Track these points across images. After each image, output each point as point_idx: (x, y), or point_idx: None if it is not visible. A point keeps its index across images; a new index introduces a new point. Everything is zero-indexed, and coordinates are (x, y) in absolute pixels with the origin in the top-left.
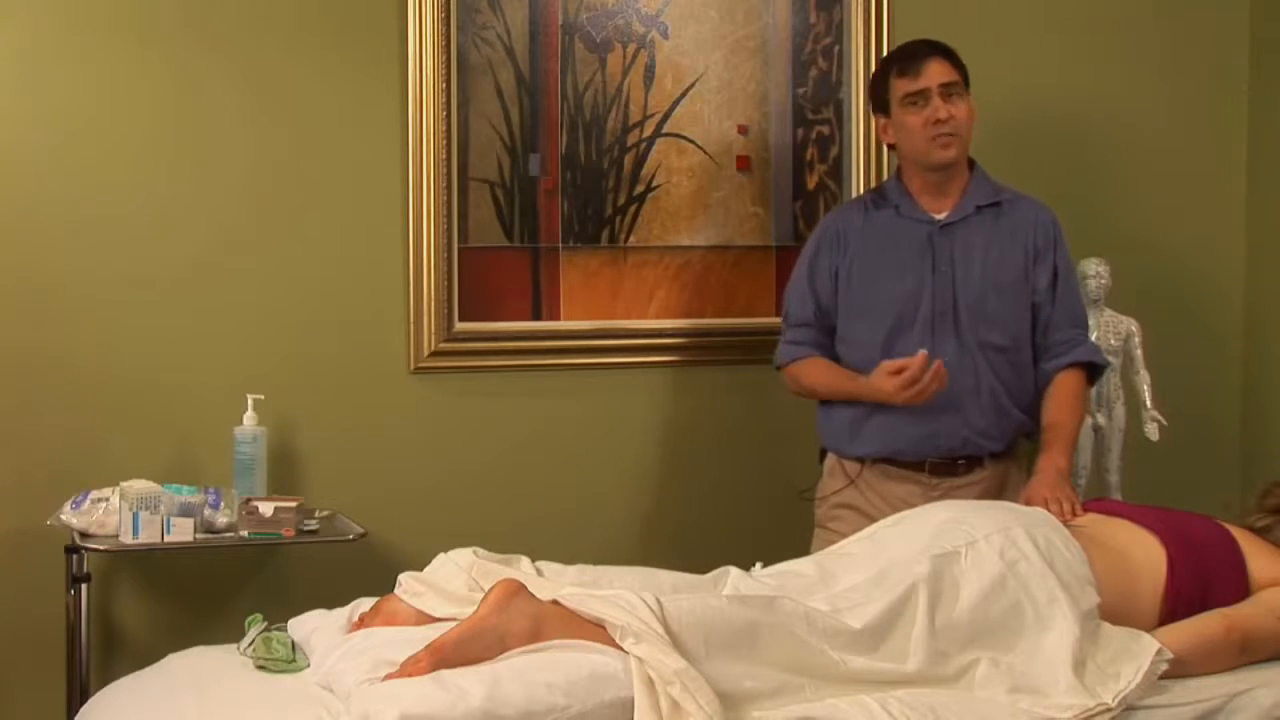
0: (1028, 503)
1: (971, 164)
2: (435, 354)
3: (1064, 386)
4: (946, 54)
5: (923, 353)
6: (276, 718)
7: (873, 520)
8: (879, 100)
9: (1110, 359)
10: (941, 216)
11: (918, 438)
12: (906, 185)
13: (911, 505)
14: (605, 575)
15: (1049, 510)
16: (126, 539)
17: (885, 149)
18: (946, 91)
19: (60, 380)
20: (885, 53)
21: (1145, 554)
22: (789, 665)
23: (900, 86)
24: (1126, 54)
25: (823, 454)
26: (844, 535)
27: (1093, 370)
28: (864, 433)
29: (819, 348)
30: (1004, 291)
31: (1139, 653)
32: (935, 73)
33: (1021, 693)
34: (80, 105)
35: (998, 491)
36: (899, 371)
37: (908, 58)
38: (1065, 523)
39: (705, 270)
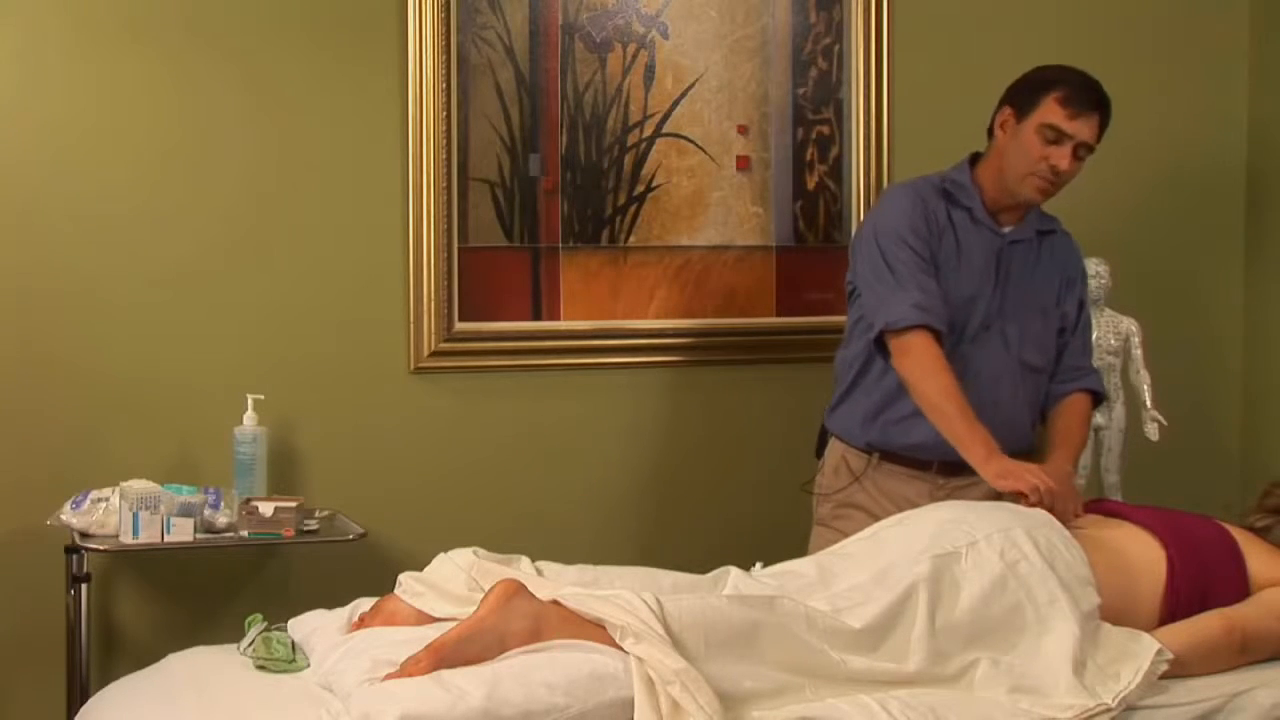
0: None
1: None
2: (435, 354)
3: (1076, 406)
4: (1107, 111)
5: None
6: (276, 718)
7: (878, 520)
8: (1021, 98)
9: (1110, 359)
10: (1007, 232)
11: (937, 435)
12: (981, 186)
13: (917, 505)
14: (605, 575)
15: (1055, 504)
16: (126, 539)
17: (886, 149)
18: (1080, 151)
19: (60, 380)
20: (885, 53)
21: (1145, 555)
22: (789, 665)
23: (1051, 111)
24: (1126, 53)
25: (820, 448)
26: (849, 535)
27: (1096, 399)
28: (880, 423)
29: (937, 315)
30: (1045, 314)
31: (1139, 653)
32: (1088, 129)
33: (1021, 693)
34: (81, 106)
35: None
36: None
37: (1080, 94)
38: (1067, 523)
39: (705, 270)
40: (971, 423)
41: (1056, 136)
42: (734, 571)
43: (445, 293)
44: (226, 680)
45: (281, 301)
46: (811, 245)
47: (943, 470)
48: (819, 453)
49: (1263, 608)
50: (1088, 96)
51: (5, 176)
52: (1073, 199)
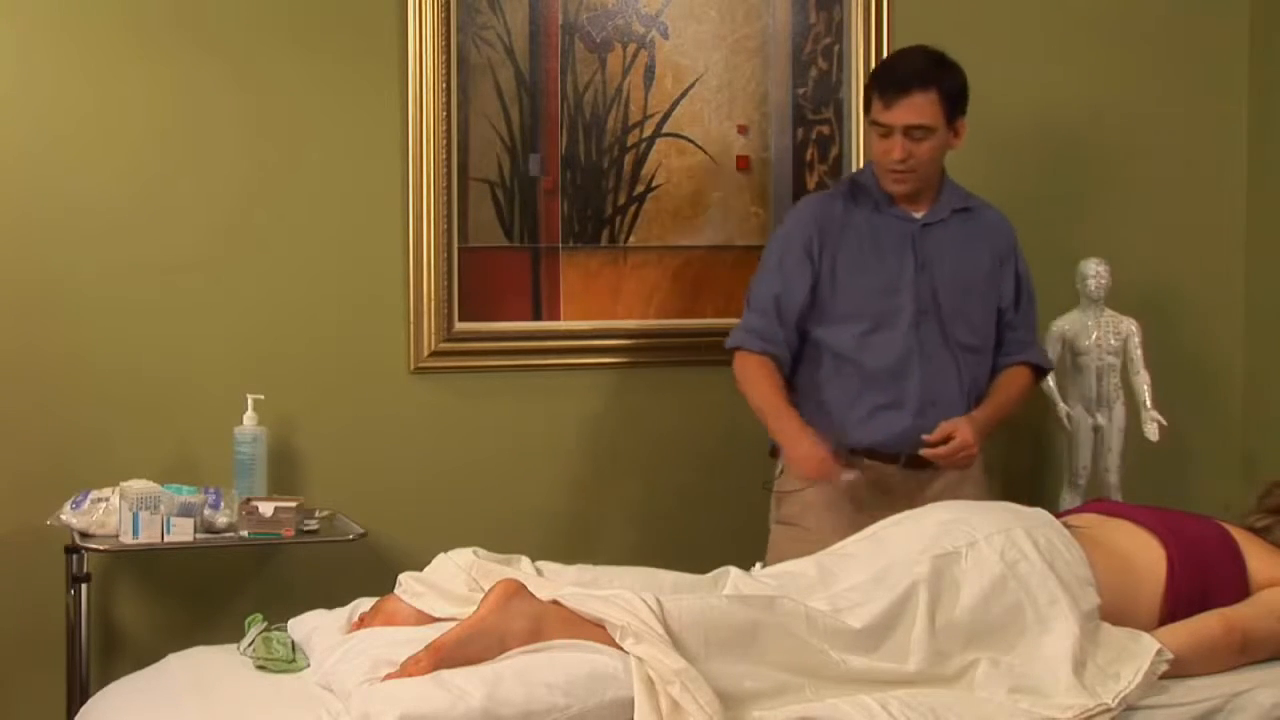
0: (952, 428)
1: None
2: (435, 354)
3: (1015, 376)
4: (934, 82)
5: (854, 476)
6: (276, 718)
7: (845, 517)
8: (865, 100)
9: (1110, 359)
10: (920, 216)
11: (902, 433)
12: (882, 182)
13: (883, 499)
14: (605, 575)
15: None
16: (126, 539)
17: None
18: (915, 134)
19: (60, 380)
20: (885, 53)
21: (1145, 554)
22: (789, 665)
23: (874, 108)
24: (1126, 53)
25: (775, 448)
26: (816, 532)
27: (1040, 372)
28: (850, 420)
29: (772, 342)
30: (976, 293)
31: (1139, 653)
32: (905, 113)
33: (1021, 693)
34: (80, 106)
35: (959, 483)
36: (826, 462)
37: (890, 83)
38: (956, 459)
39: (705, 270)
40: (780, 416)
41: (884, 130)
42: (734, 571)
43: (445, 293)
44: (226, 680)
45: (281, 301)
46: None
47: (909, 464)
48: (775, 452)
49: (1262, 608)
50: (898, 81)
51: (4, 177)
52: (1075, 199)
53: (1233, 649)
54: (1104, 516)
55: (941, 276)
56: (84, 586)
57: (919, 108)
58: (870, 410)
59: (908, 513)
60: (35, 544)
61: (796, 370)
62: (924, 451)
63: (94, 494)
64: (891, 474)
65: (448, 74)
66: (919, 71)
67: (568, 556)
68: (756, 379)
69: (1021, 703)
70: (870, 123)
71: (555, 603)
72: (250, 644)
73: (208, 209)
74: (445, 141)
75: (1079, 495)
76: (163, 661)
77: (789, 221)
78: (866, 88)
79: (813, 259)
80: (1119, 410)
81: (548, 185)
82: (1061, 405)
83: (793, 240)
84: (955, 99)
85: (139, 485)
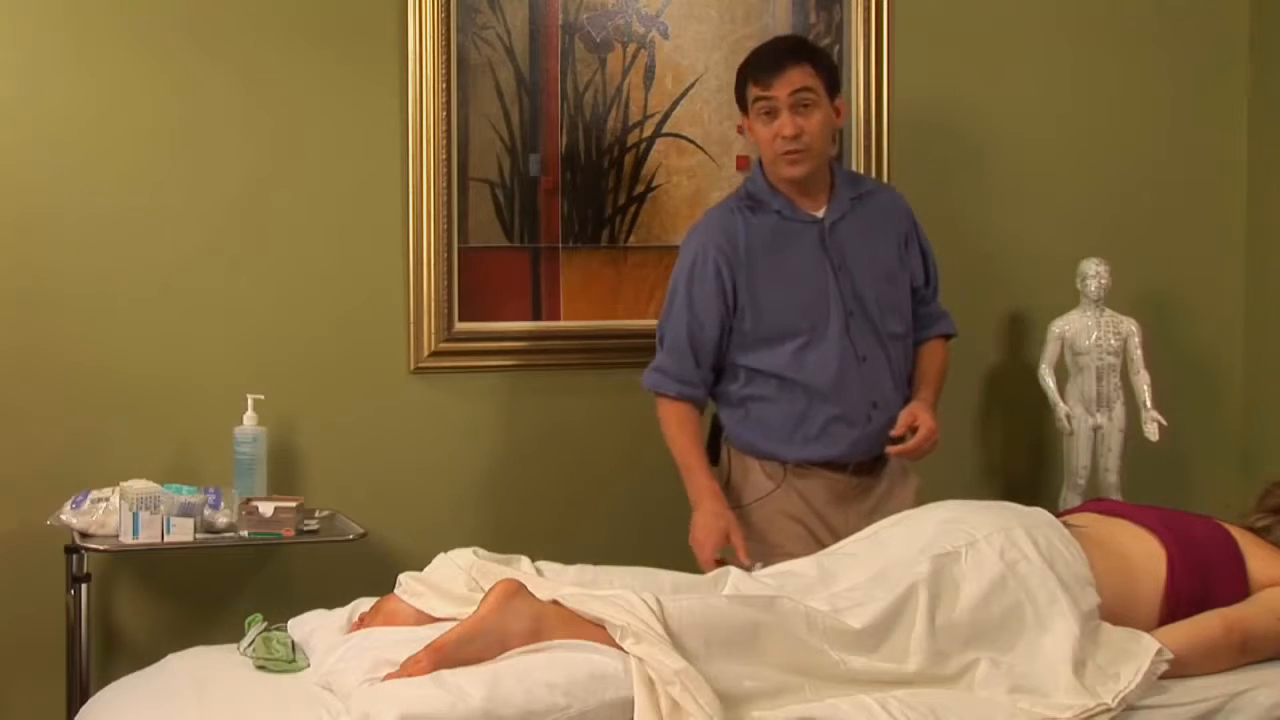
0: (912, 418)
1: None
2: (435, 354)
3: (937, 350)
4: (806, 57)
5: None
6: (276, 718)
7: (802, 525)
8: (738, 99)
9: (1110, 359)
10: (822, 214)
11: (853, 443)
12: (776, 186)
13: (834, 505)
14: (605, 575)
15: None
16: (126, 539)
17: (885, 150)
18: (799, 102)
19: (60, 380)
20: (885, 53)
21: (1145, 554)
22: (789, 665)
23: (752, 93)
24: (1127, 53)
25: (715, 453)
26: (781, 544)
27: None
28: (800, 437)
29: (688, 384)
30: (892, 279)
31: (1139, 653)
32: (787, 82)
33: (1021, 693)
34: (81, 107)
35: (901, 478)
36: (712, 543)
37: (763, 63)
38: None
39: None
40: (692, 473)
41: (768, 108)
42: (734, 571)
43: (445, 293)
44: (226, 680)
45: (282, 301)
46: None
47: (857, 470)
48: (716, 458)
49: (1262, 608)
50: (771, 58)
51: (5, 177)
52: (1074, 199)
53: (1233, 649)
54: (1104, 516)
55: (859, 272)
56: (84, 586)
57: (798, 78)
58: (820, 426)
59: (907, 512)
60: (35, 544)
61: (731, 392)
62: (893, 450)
63: (94, 494)
64: (841, 481)
65: (448, 74)
66: (791, 48)
67: (568, 556)
68: (674, 430)
69: (1021, 702)
70: (754, 109)
71: (555, 603)
72: (250, 644)
73: (208, 209)
74: (445, 141)
75: (1079, 495)
76: (163, 661)
77: (690, 250)
78: (738, 84)
79: (725, 288)
80: (1119, 410)
81: (548, 185)
82: (1061, 405)
83: (699, 269)
84: (831, 74)
85: (139, 485)
